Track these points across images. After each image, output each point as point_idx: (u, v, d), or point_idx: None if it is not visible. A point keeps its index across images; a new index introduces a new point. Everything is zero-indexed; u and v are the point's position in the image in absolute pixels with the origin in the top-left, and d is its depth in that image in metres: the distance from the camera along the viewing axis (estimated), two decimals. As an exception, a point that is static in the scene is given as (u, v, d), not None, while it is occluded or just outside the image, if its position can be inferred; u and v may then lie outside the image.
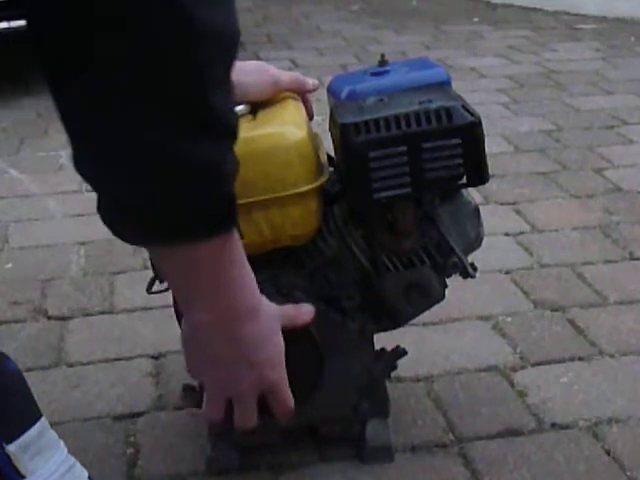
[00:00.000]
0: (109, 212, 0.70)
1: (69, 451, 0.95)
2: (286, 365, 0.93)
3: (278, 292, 1.05)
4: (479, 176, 1.01)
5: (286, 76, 1.09)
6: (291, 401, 0.91)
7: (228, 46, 0.64)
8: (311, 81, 1.12)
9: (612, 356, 1.40)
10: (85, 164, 0.67)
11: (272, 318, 0.85)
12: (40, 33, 0.61)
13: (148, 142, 0.63)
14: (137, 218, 0.68)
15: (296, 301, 1.05)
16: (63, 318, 1.59)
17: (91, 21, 0.58)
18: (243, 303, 0.79)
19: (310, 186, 0.99)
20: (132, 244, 0.72)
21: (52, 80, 0.63)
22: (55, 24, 0.60)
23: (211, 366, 0.84)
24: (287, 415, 0.92)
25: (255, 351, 0.82)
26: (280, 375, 0.87)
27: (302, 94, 1.12)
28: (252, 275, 0.79)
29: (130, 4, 0.58)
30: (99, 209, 0.70)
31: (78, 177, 0.68)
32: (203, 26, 0.60)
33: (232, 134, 0.67)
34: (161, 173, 0.65)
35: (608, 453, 1.17)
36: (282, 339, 0.87)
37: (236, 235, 0.74)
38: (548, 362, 1.39)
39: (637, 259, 1.74)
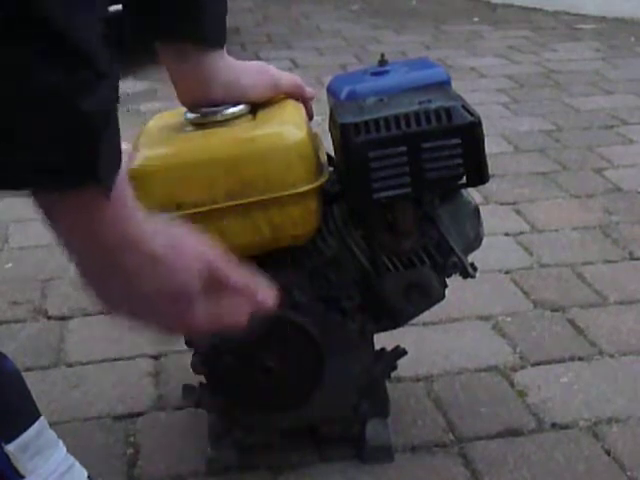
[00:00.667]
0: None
1: (69, 451, 0.95)
2: (286, 365, 0.94)
3: (278, 292, 1.05)
4: (479, 176, 1.01)
5: (286, 79, 1.09)
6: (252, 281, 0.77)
7: None
8: (309, 89, 1.12)
9: (612, 356, 1.40)
10: None
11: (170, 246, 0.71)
12: None
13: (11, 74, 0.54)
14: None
15: (296, 301, 1.05)
16: (63, 318, 1.59)
17: None
18: (123, 229, 0.66)
19: (310, 186, 0.99)
20: (21, 187, 0.60)
21: None
22: None
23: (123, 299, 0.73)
24: (268, 300, 0.78)
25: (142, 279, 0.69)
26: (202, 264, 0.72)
27: (301, 99, 1.12)
28: (134, 205, 0.67)
29: None
30: None
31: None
32: None
33: (89, 66, 0.57)
34: (10, 100, 0.55)
35: (608, 453, 1.17)
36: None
37: (116, 195, 0.63)
38: (548, 362, 1.39)
39: (637, 259, 1.74)
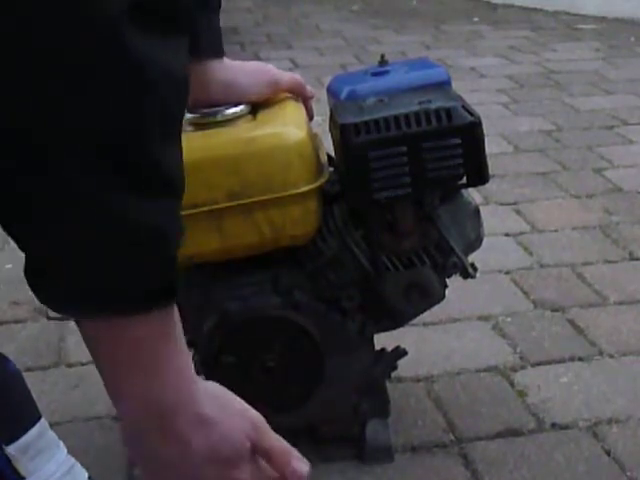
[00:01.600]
0: (34, 274, 0.61)
1: (69, 451, 0.95)
2: (286, 365, 0.94)
3: (278, 292, 1.06)
4: (479, 176, 1.01)
5: (286, 77, 1.09)
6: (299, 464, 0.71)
7: (176, 93, 0.58)
8: (309, 88, 1.12)
9: (612, 356, 1.40)
10: (10, 218, 0.59)
11: (222, 406, 0.68)
12: None
13: (80, 193, 0.55)
14: (62, 281, 0.60)
15: (296, 301, 1.05)
16: (63, 318, 1.58)
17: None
18: (177, 390, 0.64)
19: (310, 186, 0.99)
20: (57, 312, 0.61)
21: None
22: None
23: (160, 469, 0.67)
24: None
25: (204, 447, 0.66)
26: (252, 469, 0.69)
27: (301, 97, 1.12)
28: (188, 359, 0.65)
29: (75, 46, 0.51)
30: (25, 272, 0.61)
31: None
32: (153, 72, 0.54)
33: (177, 195, 0.59)
34: (92, 229, 0.57)
35: (608, 453, 1.17)
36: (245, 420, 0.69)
37: (174, 313, 0.62)
38: (548, 362, 1.39)
39: (637, 259, 1.74)
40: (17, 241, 0.60)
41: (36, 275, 0.61)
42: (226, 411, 0.68)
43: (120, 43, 0.52)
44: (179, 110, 0.58)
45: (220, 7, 1.03)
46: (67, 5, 0.51)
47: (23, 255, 0.65)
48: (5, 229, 0.60)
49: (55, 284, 0.61)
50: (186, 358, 0.64)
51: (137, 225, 0.57)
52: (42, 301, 0.61)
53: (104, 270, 0.58)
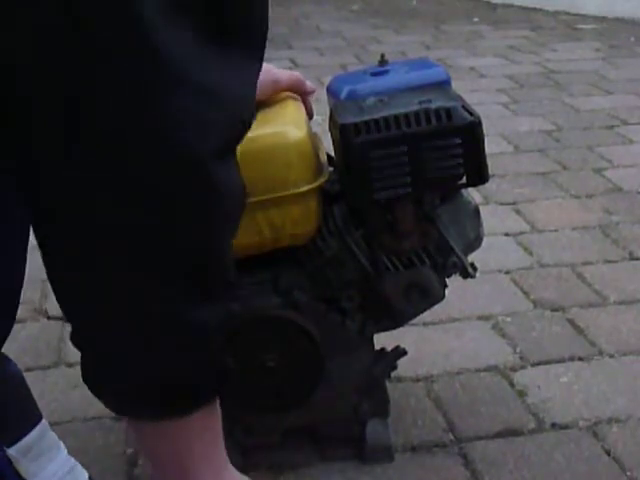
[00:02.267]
0: (99, 380, 0.66)
1: (69, 451, 0.95)
2: (286, 365, 0.94)
3: (278, 292, 1.06)
4: (479, 176, 1.01)
5: (286, 76, 1.09)
6: None
7: (240, 203, 0.64)
8: (309, 84, 1.12)
9: (612, 356, 1.40)
10: (83, 333, 0.65)
11: None
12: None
13: (152, 312, 0.60)
14: (125, 387, 0.67)
15: (296, 301, 1.05)
16: (63, 318, 1.58)
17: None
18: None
19: (310, 186, 0.99)
20: (117, 414, 0.69)
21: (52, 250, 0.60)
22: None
23: None
24: None
25: None
26: None
27: (301, 94, 1.12)
28: (222, 449, 0.75)
29: (162, 185, 0.56)
30: (85, 372, 0.67)
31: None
32: (226, 191, 0.59)
33: (229, 297, 0.66)
34: (162, 342, 0.62)
35: (608, 453, 1.17)
36: None
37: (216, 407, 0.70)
38: (548, 362, 1.39)
39: (637, 259, 1.74)
40: (85, 350, 0.65)
41: (99, 379, 0.68)
42: None
43: (207, 179, 0.57)
44: (238, 217, 0.65)
45: None
46: (163, 148, 0.55)
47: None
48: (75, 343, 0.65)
49: (121, 390, 0.67)
50: (221, 450, 0.74)
51: (197, 333, 0.62)
52: (103, 402, 0.70)
53: (166, 378, 0.63)
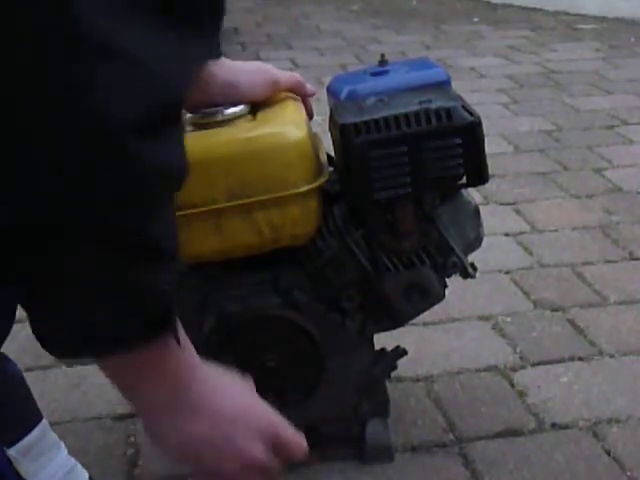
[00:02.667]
0: (38, 325, 0.68)
1: (69, 451, 0.95)
2: (286, 365, 0.94)
3: (278, 292, 1.06)
4: (479, 176, 1.01)
5: (285, 76, 1.09)
6: (299, 442, 0.87)
7: (175, 182, 0.65)
8: (309, 86, 1.12)
9: (612, 356, 1.40)
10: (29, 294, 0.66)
11: (234, 405, 0.80)
12: None
13: (84, 265, 0.62)
14: (69, 332, 0.68)
15: (296, 301, 1.05)
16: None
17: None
18: (187, 399, 0.75)
19: (310, 186, 0.99)
20: (60, 358, 0.71)
21: None
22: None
23: (216, 464, 0.79)
24: (302, 452, 0.88)
25: (225, 440, 0.78)
26: (269, 435, 0.82)
27: (301, 95, 1.12)
28: (191, 352, 0.76)
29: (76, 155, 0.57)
30: (31, 323, 0.68)
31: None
32: (153, 169, 0.60)
33: (170, 257, 0.67)
34: (99, 295, 0.65)
35: (608, 453, 1.17)
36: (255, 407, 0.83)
37: (173, 335, 0.72)
38: (548, 362, 1.39)
39: (637, 259, 1.74)
40: (28, 307, 0.66)
41: (38, 324, 0.67)
42: (246, 415, 0.80)
43: (121, 153, 0.57)
44: (174, 191, 0.66)
45: (224, 13, 1.03)
46: (69, 119, 0.55)
47: None
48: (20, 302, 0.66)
49: (61, 332, 0.68)
50: (188, 349, 0.74)
51: (132, 285, 0.64)
52: (45, 349, 0.68)
53: (105, 320, 0.66)
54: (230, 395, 0.80)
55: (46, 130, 0.55)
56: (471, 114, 1.00)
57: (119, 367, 0.72)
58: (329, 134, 1.07)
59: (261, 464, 0.81)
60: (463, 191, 1.10)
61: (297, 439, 0.86)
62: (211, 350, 1.07)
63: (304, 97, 1.11)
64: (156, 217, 0.64)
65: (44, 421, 0.91)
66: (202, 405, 0.76)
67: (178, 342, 0.71)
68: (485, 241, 1.14)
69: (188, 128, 1.03)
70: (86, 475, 0.95)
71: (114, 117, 0.56)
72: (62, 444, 0.94)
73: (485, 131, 1.01)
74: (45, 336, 0.68)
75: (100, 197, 0.59)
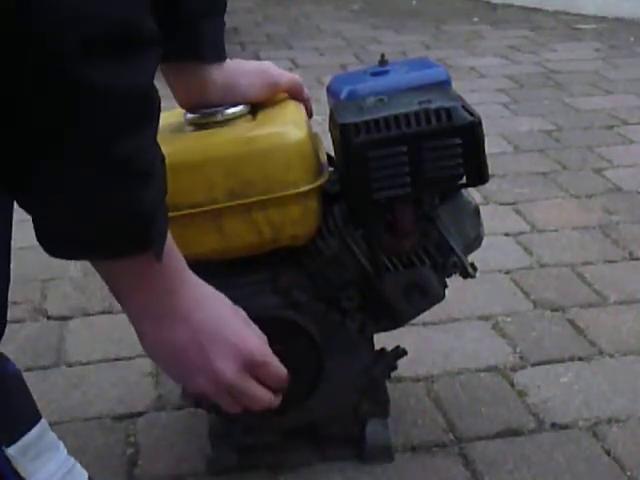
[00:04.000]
0: (37, 227, 0.73)
1: (69, 451, 0.95)
2: (286, 365, 0.94)
3: (278, 292, 1.06)
4: (479, 176, 1.01)
5: (285, 78, 1.09)
6: (282, 372, 0.91)
7: (137, 103, 0.68)
8: (306, 91, 1.13)
9: (612, 356, 1.40)
10: (28, 198, 0.71)
11: (222, 315, 0.86)
12: None
13: (68, 182, 0.67)
14: (64, 239, 0.73)
15: (296, 301, 1.05)
16: (63, 318, 1.59)
17: None
18: (170, 305, 0.81)
19: (310, 186, 0.99)
20: (55, 257, 0.75)
21: None
22: None
23: (185, 373, 0.85)
24: (282, 385, 0.92)
25: (207, 347, 0.83)
26: (252, 355, 0.86)
27: (297, 98, 1.12)
28: (176, 261, 0.81)
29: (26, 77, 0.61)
30: (35, 230, 0.73)
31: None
32: (104, 89, 0.63)
33: (146, 174, 0.71)
34: (81, 207, 0.69)
35: (608, 453, 1.17)
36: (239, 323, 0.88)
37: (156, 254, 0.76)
38: (548, 362, 1.39)
39: (637, 259, 1.74)
40: (29, 211, 0.71)
41: (37, 226, 0.72)
42: (222, 334, 0.84)
43: (73, 75, 0.61)
44: (141, 112, 0.69)
45: (225, 10, 1.03)
46: (20, 43, 0.59)
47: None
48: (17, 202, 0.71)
49: (66, 239, 0.72)
50: (176, 259, 0.80)
51: (112, 202, 0.69)
52: (44, 249, 0.73)
53: (89, 221, 0.70)
54: (215, 308, 0.84)
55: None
56: (471, 114, 0.99)
57: (110, 271, 0.78)
58: (329, 134, 1.07)
59: (228, 382, 0.84)
60: (463, 191, 1.10)
61: (278, 368, 0.90)
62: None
63: (300, 100, 1.12)
64: (124, 136, 0.67)
65: (43, 420, 0.91)
66: (185, 312, 0.81)
67: (159, 258, 0.75)
68: (485, 241, 1.14)
69: (188, 128, 1.03)
70: (85, 475, 0.94)
71: (63, 38, 0.59)
72: (61, 444, 0.93)
73: (485, 131, 1.00)
74: (47, 238, 0.72)
75: (59, 115, 0.63)
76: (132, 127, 0.68)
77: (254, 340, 0.87)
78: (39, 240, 0.72)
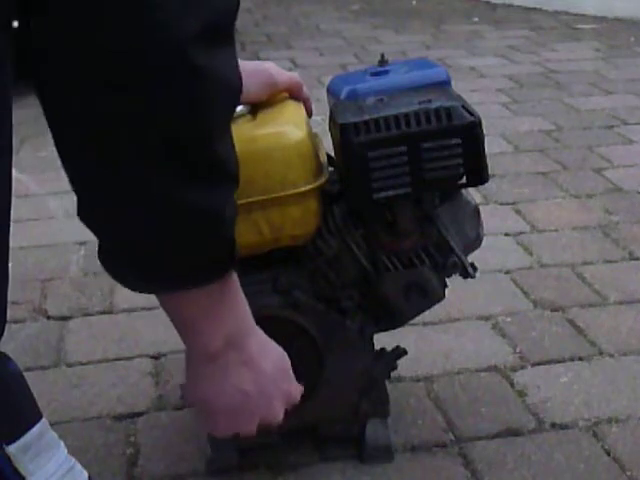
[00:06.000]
0: (111, 259, 0.70)
1: (69, 451, 0.95)
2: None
3: (278, 292, 1.06)
4: (479, 176, 1.01)
5: (284, 78, 1.08)
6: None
7: (231, 96, 0.65)
8: (305, 89, 1.12)
9: (612, 356, 1.40)
10: (89, 213, 0.68)
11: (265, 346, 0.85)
12: (46, 82, 0.61)
13: (154, 192, 0.63)
14: (139, 267, 0.69)
15: (296, 301, 1.05)
16: (63, 318, 1.59)
17: (96, 82, 0.59)
18: (244, 321, 0.80)
19: (310, 186, 0.99)
20: (133, 290, 0.72)
21: (58, 133, 0.63)
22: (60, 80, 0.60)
23: (241, 399, 0.83)
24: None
25: (268, 367, 0.83)
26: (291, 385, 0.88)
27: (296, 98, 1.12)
28: (246, 304, 0.79)
29: (140, 63, 0.58)
30: (99, 254, 0.70)
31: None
32: (212, 81, 0.61)
33: (234, 179, 0.68)
34: (166, 222, 0.65)
35: (608, 453, 1.17)
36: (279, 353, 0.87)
37: (234, 274, 0.75)
38: (548, 362, 1.39)
39: (637, 259, 1.74)
40: (95, 232, 0.68)
41: (112, 258, 0.70)
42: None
43: (187, 62, 0.59)
44: (233, 110, 0.67)
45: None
46: (143, 30, 0.58)
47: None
48: (83, 220, 0.68)
49: (130, 267, 0.69)
50: (245, 304, 0.78)
51: (202, 212, 0.65)
52: (118, 280, 0.71)
53: (175, 253, 0.67)
54: (273, 354, 0.84)
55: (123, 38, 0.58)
56: (471, 114, 0.99)
57: (183, 302, 0.73)
58: (329, 134, 1.07)
59: (276, 423, 0.86)
60: (463, 191, 1.10)
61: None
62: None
63: (299, 99, 1.11)
64: (220, 136, 0.65)
65: (44, 420, 0.91)
66: (255, 357, 0.80)
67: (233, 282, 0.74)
68: (485, 241, 1.14)
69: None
70: (85, 475, 0.94)
71: (176, 27, 0.58)
72: (62, 443, 0.93)
73: (485, 131, 1.01)
74: (114, 268, 0.70)
75: (164, 104, 0.60)
76: (229, 123, 0.67)
77: (295, 385, 0.89)
78: (119, 274, 0.70)
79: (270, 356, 0.83)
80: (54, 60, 0.59)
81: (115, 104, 0.59)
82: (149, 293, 0.74)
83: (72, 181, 0.66)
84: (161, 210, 0.64)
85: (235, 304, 0.77)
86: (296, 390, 0.87)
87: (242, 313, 0.78)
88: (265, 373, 0.81)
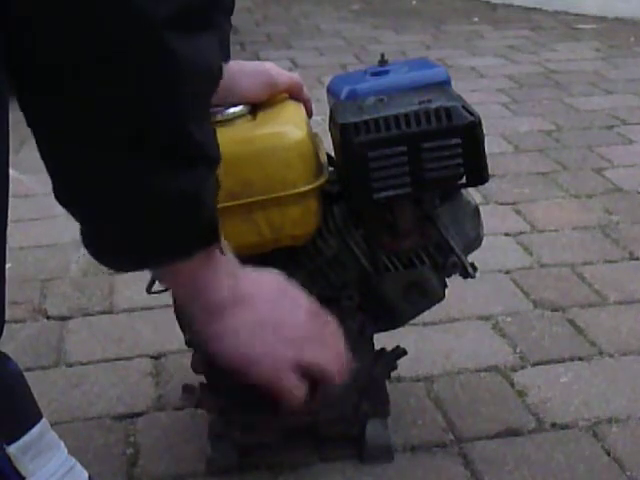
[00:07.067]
0: (92, 241, 0.72)
1: (69, 451, 0.95)
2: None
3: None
4: (479, 176, 1.01)
5: (284, 78, 1.08)
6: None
7: (207, 81, 0.66)
8: (305, 90, 1.13)
9: (612, 356, 1.40)
10: (66, 195, 0.69)
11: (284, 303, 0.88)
12: (26, 61, 0.62)
13: (127, 172, 0.65)
14: (121, 248, 0.72)
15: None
16: (63, 318, 1.58)
17: (78, 60, 0.60)
18: (238, 289, 0.83)
19: (310, 186, 0.99)
20: (117, 271, 0.76)
21: (32, 114, 0.65)
22: (44, 56, 0.60)
23: (252, 358, 0.87)
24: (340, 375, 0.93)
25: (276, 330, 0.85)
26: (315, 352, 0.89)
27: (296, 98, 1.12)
28: (229, 259, 0.82)
29: (114, 45, 0.59)
30: (82, 237, 0.72)
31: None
32: (186, 64, 0.62)
33: (212, 160, 0.70)
34: (139, 203, 0.67)
35: (608, 453, 1.17)
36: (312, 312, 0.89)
37: (220, 245, 0.78)
38: (548, 362, 1.39)
39: (637, 259, 1.74)
40: (74, 214, 0.71)
41: (92, 240, 0.73)
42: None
43: (161, 46, 0.60)
44: (209, 94, 0.68)
45: (232, 12, 1.03)
46: (118, 12, 0.58)
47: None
48: (61, 202, 0.70)
49: (113, 249, 0.73)
50: (226, 259, 0.81)
51: (180, 193, 0.67)
52: (100, 262, 0.74)
53: (155, 233, 0.70)
54: (269, 284, 0.88)
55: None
56: (471, 114, 1.00)
57: (178, 273, 0.77)
58: (329, 134, 1.07)
59: (304, 334, 0.88)
60: (463, 191, 1.10)
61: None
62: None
63: (299, 100, 1.11)
64: (195, 119, 0.66)
65: (44, 420, 0.91)
66: (253, 293, 0.84)
67: (221, 252, 0.77)
68: (485, 241, 1.14)
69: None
70: (85, 475, 0.94)
71: (151, 10, 0.59)
72: (62, 443, 0.94)
73: (485, 131, 1.01)
74: (96, 250, 0.73)
75: (137, 87, 0.61)
76: (207, 108, 0.68)
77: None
78: (106, 256, 0.72)
79: (269, 285, 0.87)
80: (36, 31, 0.60)
81: (87, 85, 0.60)
82: (134, 271, 0.77)
83: (45, 161, 0.68)
84: (134, 191, 0.66)
85: (223, 263, 0.80)
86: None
87: (232, 267, 0.82)
88: (270, 300, 0.85)
